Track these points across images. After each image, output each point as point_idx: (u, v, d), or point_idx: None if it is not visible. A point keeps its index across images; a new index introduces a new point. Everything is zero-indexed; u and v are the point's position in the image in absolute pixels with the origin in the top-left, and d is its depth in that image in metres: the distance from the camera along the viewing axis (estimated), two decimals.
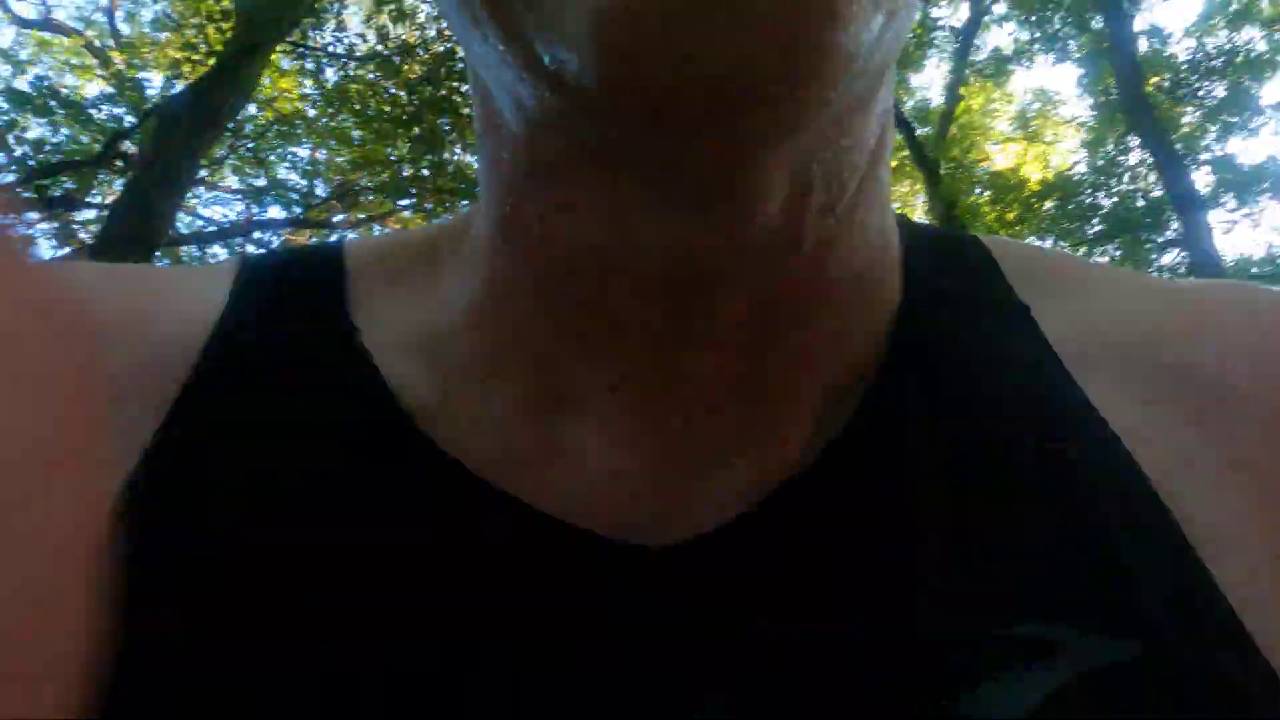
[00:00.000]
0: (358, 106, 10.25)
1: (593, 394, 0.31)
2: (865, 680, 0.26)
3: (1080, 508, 0.28)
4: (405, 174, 10.58)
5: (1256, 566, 0.27)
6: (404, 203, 11.05)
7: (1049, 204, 10.86)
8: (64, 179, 9.46)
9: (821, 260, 0.29)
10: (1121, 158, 11.09)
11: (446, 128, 9.36)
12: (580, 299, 0.30)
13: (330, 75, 10.16)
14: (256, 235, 11.07)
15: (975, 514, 0.28)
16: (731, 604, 0.28)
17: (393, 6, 9.10)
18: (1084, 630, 0.25)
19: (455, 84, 9.20)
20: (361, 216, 11.46)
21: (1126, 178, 10.98)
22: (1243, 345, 0.33)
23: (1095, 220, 10.73)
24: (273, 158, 11.74)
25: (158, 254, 6.66)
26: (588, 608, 0.28)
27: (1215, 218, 9.97)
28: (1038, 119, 13.43)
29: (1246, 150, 10.90)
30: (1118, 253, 10.76)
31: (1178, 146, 10.63)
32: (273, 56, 8.26)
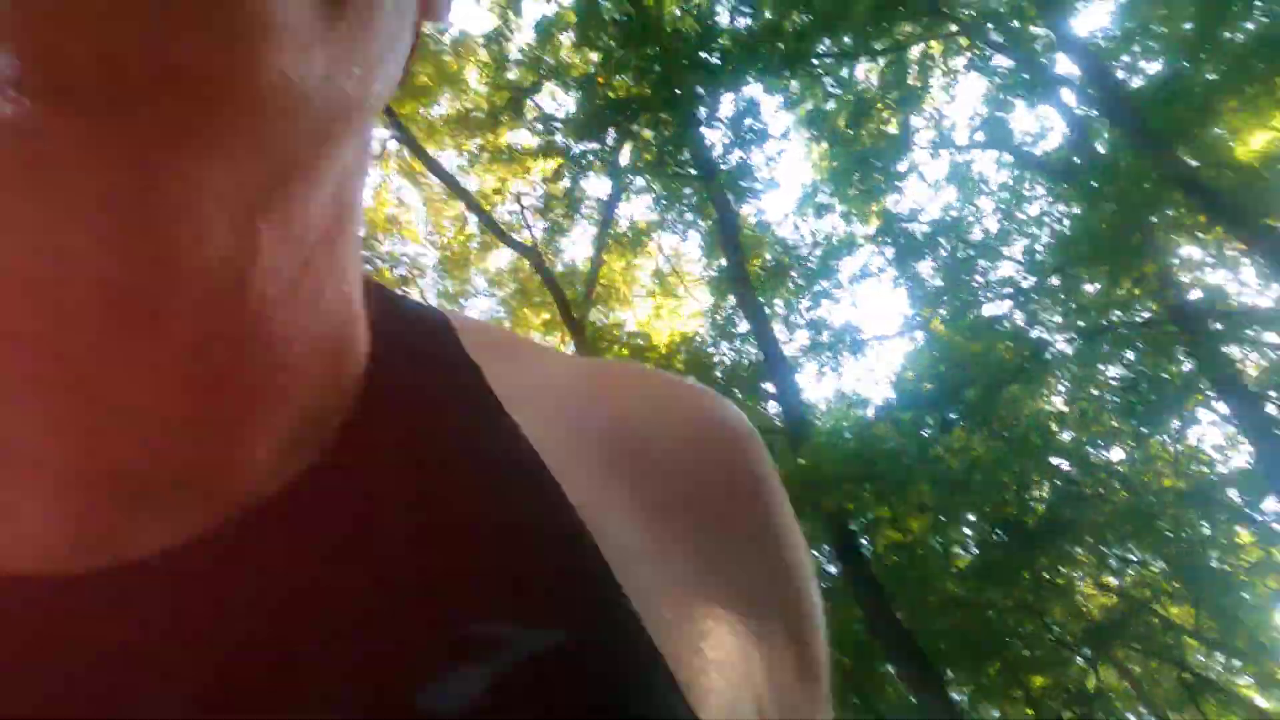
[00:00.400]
0: None
1: (26, 441, 0.29)
2: (318, 688, 0.27)
3: (517, 525, 0.33)
4: None
5: (652, 576, 0.34)
6: None
7: (680, 361, 12.30)
8: None
9: (268, 317, 0.30)
10: (732, 322, 12.94)
11: None
12: (10, 333, 0.27)
13: None
14: None
15: (430, 537, 0.31)
16: (178, 621, 0.28)
17: None
18: (523, 624, 0.30)
19: None
20: None
21: (737, 340, 12.78)
22: (640, 406, 0.41)
23: (718, 374, 12.29)
24: None
25: None
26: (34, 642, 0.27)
27: (811, 369, 11.88)
28: (672, 275, 15.24)
29: (833, 314, 13.07)
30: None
31: (782, 312, 12.57)
32: None
